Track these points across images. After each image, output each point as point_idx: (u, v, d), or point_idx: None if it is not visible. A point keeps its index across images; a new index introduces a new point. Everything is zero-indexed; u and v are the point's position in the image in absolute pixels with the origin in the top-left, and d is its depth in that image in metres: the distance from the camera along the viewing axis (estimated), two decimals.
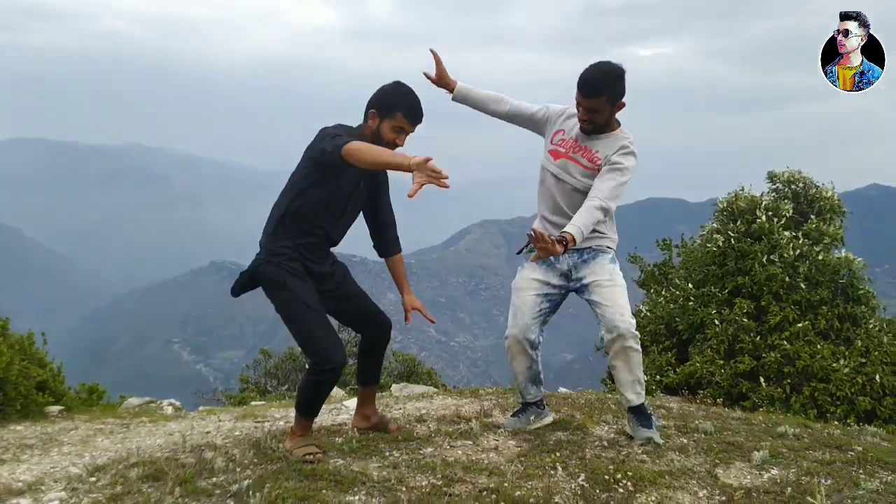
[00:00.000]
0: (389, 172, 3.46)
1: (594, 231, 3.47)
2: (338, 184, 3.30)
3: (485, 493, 2.61)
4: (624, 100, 3.36)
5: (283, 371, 19.93)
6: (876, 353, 8.00)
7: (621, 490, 2.63)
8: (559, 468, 2.87)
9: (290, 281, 3.27)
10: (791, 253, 8.53)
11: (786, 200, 9.02)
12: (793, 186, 9.19)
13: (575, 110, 3.53)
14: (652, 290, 10.31)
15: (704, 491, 2.65)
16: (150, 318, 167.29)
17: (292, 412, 5.54)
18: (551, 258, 3.42)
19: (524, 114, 3.70)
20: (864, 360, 7.92)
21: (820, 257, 8.55)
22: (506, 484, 2.67)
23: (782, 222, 8.78)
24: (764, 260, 8.54)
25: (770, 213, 8.82)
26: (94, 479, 3.23)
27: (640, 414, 3.53)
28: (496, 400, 4.72)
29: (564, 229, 3.17)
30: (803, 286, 8.47)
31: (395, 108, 3.23)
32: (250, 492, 2.68)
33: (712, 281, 9.05)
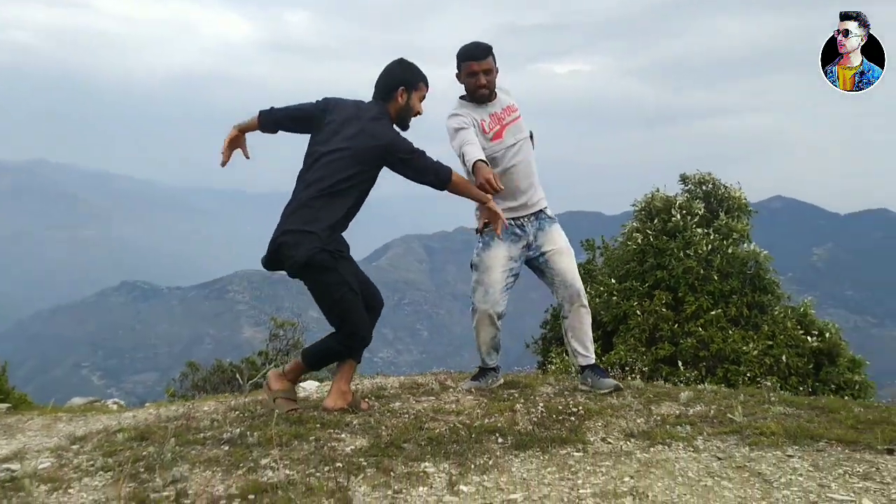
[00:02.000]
0: None
1: (539, 189, 3.88)
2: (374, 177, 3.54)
3: (455, 426, 2.97)
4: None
5: (211, 383, 19.64)
6: (781, 336, 8.79)
7: (573, 418, 3.05)
8: (517, 407, 3.27)
9: (340, 265, 3.42)
10: (704, 248, 9.27)
11: (698, 200, 9.78)
12: (703, 187, 9.96)
13: (462, 111, 3.75)
14: None
15: (642, 419, 3.10)
16: (57, 341, 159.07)
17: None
18: (517, 231, 3.80)
19: (476, 137, 3.88)
20: (770, 343, 8.70)
21: (730, 251, 9.32)
22: (473, 419, 3.04)
23: (695, 220, 9.52)
24: (681, 255, 9.25)
25: (684, 211, 9.55)
26: (76, 446, 3.33)
27: (597, 368, 3.94)
28: (442, 376, 5.05)
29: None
30: (716, 278, 9.22)
31: (418, 79, 3.53)
32: (248, 433, 2.94)
33: (633, 276, 9.70)
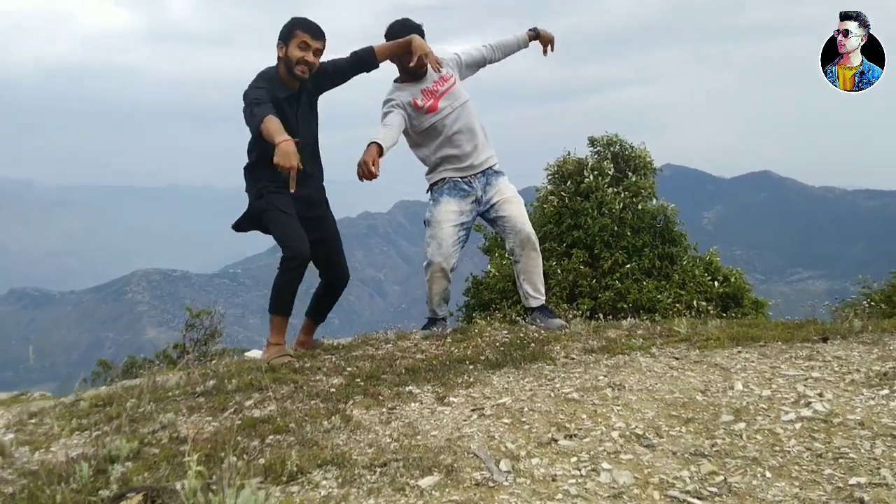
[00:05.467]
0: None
1: (486, 148, 4.04)
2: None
3: (425, 360, 3.10)
4: None
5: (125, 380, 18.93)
6: (691, 284, 9.36)
7: (533, 345, 3.24)
8: (479, 342, 3.43)
9: (268, 196, 3.57)
10: (617, 206, 9.72)
11: (607, 161, 10.22)
12: (612, 148, 10.41)
13: (393, 95, 3.90)
14: (496, 254, 11.20)
15: (595, 341, 3.33)
16: None
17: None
18: (465, 187, 3.94)
19: (404, 125, 4.03)
20: (682, 292, 9.25)
21: (640, 207, 9.82)
22: (440, 355, 3.18)
23: (607, 180, 9.95)
24: (595, 214, 9.67)
25: (595, 172, 9.96)
26: (34, 420, 3.25)
27: (545, 309, 4.16)
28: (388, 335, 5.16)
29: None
30: (629, 233, 9.69)
31: (292, 28, 3.58)
32: (224, 381, 2.96)
33: (551, 237, 10.07)
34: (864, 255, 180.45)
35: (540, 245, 10.78)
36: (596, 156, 10.48)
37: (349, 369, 3.08)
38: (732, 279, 9.63)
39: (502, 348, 3.20)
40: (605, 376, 2.38)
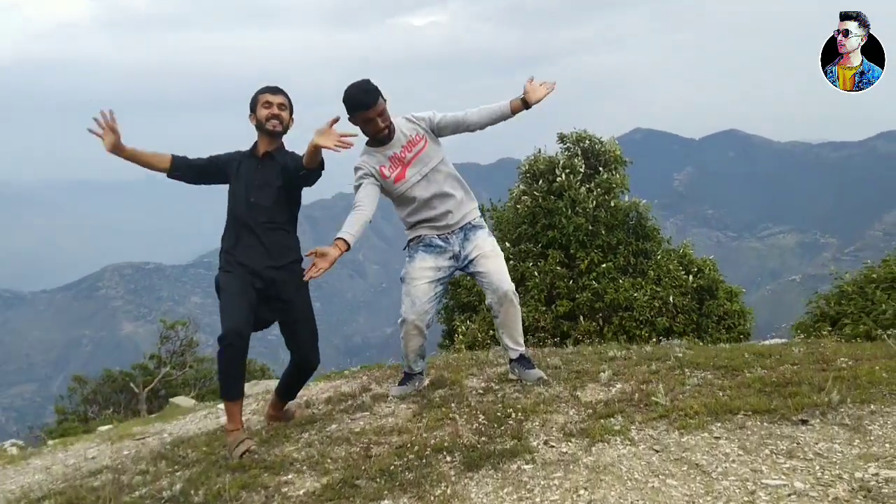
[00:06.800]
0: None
1: (464, 205, 3.93)
2: (232, 191, 3.62)
3: (401, 448, 3.02)
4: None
5: (103, 395, 18.67)
6: (666, 279, 9.39)
7: (511, 422, 3.18)
8: (456, 417, 3.36)
9: (220, 272, 3.59)
10: (590, 205, 9.68)
11: (577, 157, 10.15)
12: (581, 144, 10.34)
13: (362, 161, 3.78)
14: None
15: (573, 410, 3.27)
16: None
17: (164, 425, 5.53)
18: (440, 243, 3.83)
19: (378, 194, 3.91)
20: (657, 288, 9.27)
21: (612, 204, 9.79)
22: (417, 438, 3.10)
23: (579, 178, 9.89)
24: (569, 213, 9.62)
25: (567, 171, 9.90)
26: None
27: (524, 360, 4.09)
28: (363, 378, 5.07)
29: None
30: (603, 232, 9.67)
31: (256, 97, 3.69)
32: (191, 491, 2.86)
33: (526, 238, 10.02)
34: (832, 207, 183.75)
35: (515, 246, 10.68)
36: (566, 152, 10.41)
37: (323, 464, 2.99)
38: (706, 270, 9.67)
39: (479, 428, 3.12)
40: (586, 489, 2.32)
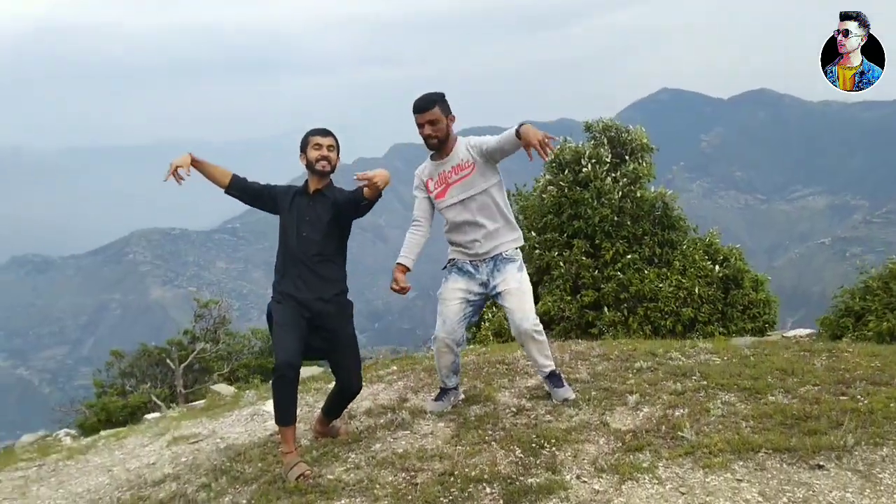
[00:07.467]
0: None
1: (497, 237, 4.13)
2: (283, 225, 3.91)
3: (443, 476, 3.27)
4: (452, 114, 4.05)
5: (139, 369, 19.31)
6: (691, 269, 9.52)
7: (546, 452, 3.42)
8: (493, 444, 3.61)
9: (272, 303, 3.89)
10: (616, 195, 9.79)
11: (604, 147, 10.22)
12: (608, 133, 10.41)
13: (420, 168, 4.13)
14: None
15: (603, 439, 3.50)
16: None
17: (212, 423, 5.85)
18: (470, 269, 4.06)
19: (431, 208, 4.15)
20: (683, 279, 9.42)
21: (639, 195, 9.88)
22: (457, 465, 3.35)
23: (605, 168, 9.98)
24: (595, 204, 9.74)
25: (593, 161, 9.99)
26: None
27: (554, 377, 4.34)
28: (398, 386, 5.28)
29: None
30: (629, 222, 9.79)
31: (305, 140, 3.95)
32: None
33: (552, 227, 10.16)
34: (864, 167, 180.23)
35: (541, 235, 10.79)
36: (592, 141, 10.48)
37: (371, 490, 3.26)
38: (732, 259, 9.77)
39: (515, 460, 3.37)
40: None
